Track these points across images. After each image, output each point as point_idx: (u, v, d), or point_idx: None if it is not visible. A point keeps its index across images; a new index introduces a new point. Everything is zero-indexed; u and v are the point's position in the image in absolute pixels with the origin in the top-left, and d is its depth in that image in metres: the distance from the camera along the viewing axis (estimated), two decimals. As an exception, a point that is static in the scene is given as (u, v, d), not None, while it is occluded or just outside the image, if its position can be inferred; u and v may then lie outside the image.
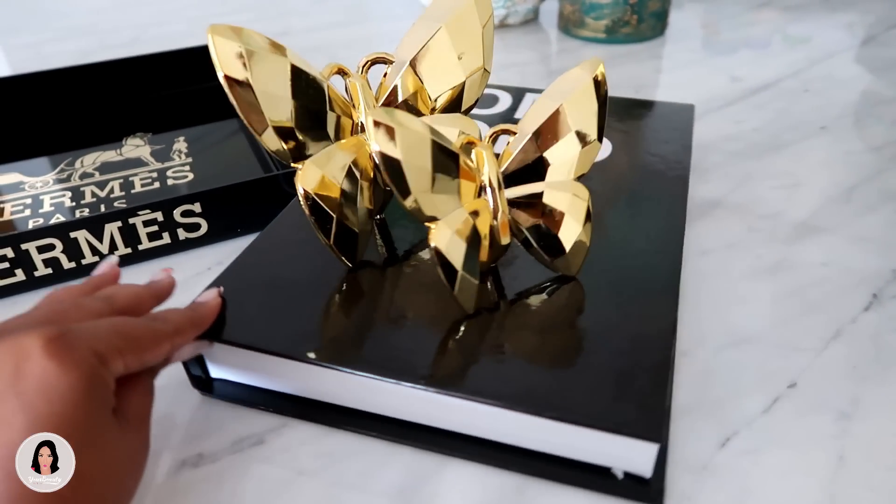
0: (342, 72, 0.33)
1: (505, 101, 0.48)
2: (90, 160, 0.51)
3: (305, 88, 0.30)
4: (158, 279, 0.31)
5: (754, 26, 0.70)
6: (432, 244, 0.28)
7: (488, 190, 0.30)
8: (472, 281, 0.29)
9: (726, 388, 0.31)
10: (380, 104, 0.34)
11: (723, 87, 0.57)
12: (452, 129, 0.33)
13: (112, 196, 0.46)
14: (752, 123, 0.52)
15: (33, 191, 0.47)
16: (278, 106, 0.29)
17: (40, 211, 0.45)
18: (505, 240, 0.31)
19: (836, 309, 0.36)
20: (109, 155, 0.52)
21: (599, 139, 0.31)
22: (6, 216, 0.44)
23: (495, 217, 0.30)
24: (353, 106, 0.33)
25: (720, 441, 0.29)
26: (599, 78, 0.30)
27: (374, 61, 0.34)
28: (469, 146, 0.30)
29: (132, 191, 0.47)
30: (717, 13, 0.74)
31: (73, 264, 0.40)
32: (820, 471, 0.28)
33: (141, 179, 0.48)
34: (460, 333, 0.29)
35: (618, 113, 0.45)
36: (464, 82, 0.34)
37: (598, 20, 0.61)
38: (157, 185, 0.48)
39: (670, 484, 0.27)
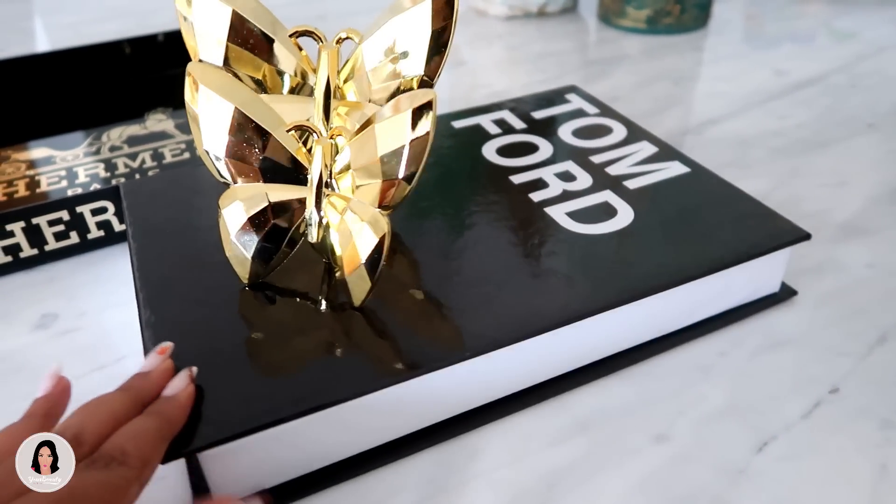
0: (317, 38, 0.31)
1: (619, 132, 0.42)
2: (116, 134, 0.51)
3: (245, 37, 0.30)
4: (148, 370, 0.24)
5: (800, 19, 0.68)
6: (220, 203, 0.29)
7: (312, 181, 0.29)
8: (245, 253, 0.29)
9: (764, 392, 0.30)
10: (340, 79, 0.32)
11: (766, 81, 0.56)
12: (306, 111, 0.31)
13: (145, 167, 0.47)
14: (796, 119, 0.51)
15: (65, 163, 0.48)
16: (211, 45, 0.30)
17: (76, 182, 0.45)
18: (312, 238, 0.30)
19: (880, 312, 0.34)
20: (134, 129, 0.52)
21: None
22: (43, 187, 0.45)
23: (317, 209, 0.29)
24: (314, 71, 0.32)
25: (757, 446, 0.28)
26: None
27: (349, 37, 0.31)
28: (304, 131, 0.29)
29: (163, 161, 0.47)
30: (761, 5, 0.72)
31: (122, 226, 0.41)
32: (861, 480, 0.27)
33: (171, 150, 0.49)
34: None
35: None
36: (399, 84, 0.31)
37: (639, 9, 0.60)
38: (186, 155, 0.48)
39: (704, 487, 0.27)
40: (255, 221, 0.28)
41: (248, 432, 0.24)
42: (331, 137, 0.29)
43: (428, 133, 0.27)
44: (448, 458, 0.28)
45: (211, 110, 0.27)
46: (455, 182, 0.37)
